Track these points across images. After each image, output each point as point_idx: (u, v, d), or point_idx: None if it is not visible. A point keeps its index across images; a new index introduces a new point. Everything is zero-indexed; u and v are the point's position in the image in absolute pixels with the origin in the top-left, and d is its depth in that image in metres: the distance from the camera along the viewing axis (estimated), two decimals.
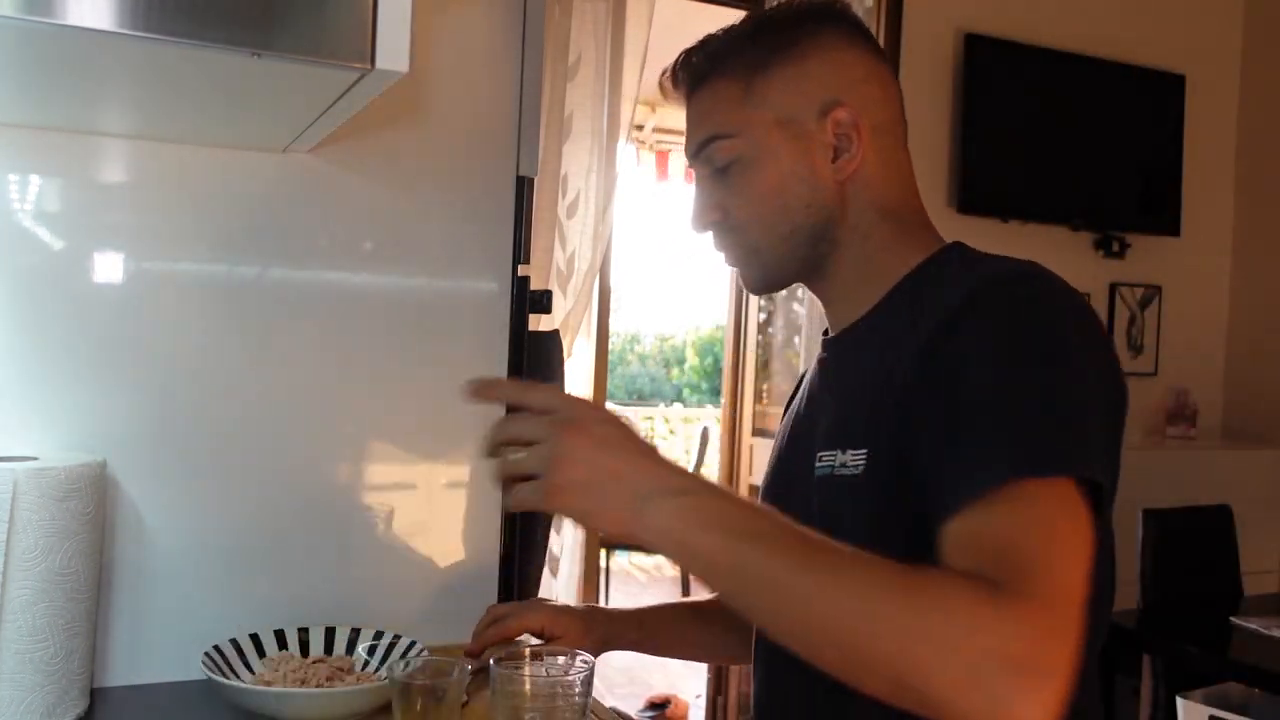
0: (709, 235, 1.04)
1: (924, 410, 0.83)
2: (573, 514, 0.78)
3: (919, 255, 0.98)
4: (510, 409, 0.85)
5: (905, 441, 0.84)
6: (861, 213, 0.99)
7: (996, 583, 0.66)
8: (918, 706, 0.66)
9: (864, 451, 0.89)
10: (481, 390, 0.85)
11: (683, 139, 1.06)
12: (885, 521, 0.86)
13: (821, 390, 1.04)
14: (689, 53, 1.03)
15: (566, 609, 1.23)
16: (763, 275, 1.03)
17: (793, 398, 1.17)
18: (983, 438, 0.76)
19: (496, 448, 0.81)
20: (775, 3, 1.04)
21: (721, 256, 1.04)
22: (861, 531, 0.80)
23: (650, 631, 1.25)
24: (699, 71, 1.01)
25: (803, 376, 1.17)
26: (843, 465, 0.91)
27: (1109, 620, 0.92)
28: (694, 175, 1.03)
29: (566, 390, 0.86)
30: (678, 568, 5.16)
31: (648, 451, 0.77)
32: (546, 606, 1.23)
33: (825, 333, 1.09)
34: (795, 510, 0.81)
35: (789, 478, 1.04)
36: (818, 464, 0.95)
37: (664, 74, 1.05)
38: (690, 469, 0.82)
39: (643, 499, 0.74)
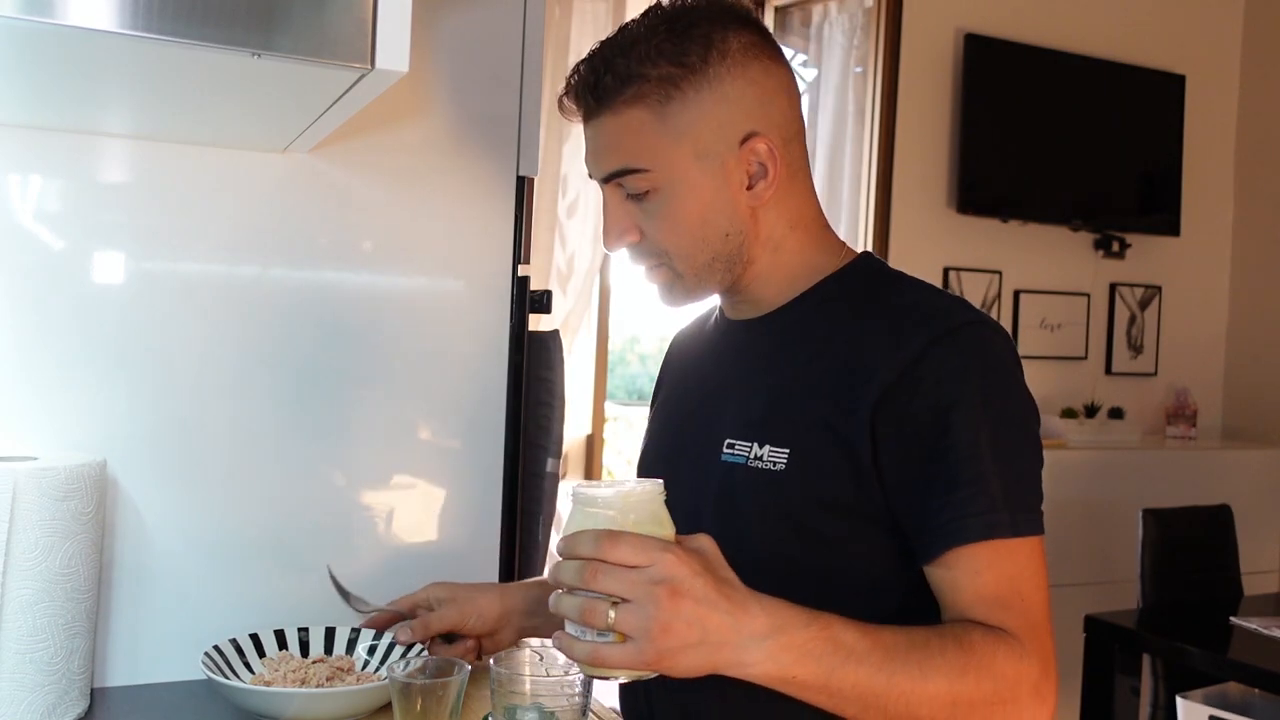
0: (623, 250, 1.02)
1: (910, 445, 0.89)
2: (677, 672, 0.78)
3: (829, 260, 1.02)
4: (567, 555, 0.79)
5: (886, 460, 0.90)
6: (773, 227, 1.00)
7: (1019, 640, 0.85)
8: None
9: (786, 451, 0.93)
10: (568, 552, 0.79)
11: None
12: (799, 515, 0.94)
13: (728, 372, 1.05)
14: (593, 71, 0.96)
15: (473, 587, 1.20)
16: (684, 295, 1.03)
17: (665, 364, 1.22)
18: (981, 491, 0.87)
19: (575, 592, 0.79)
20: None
21: (642, 270, 1.03)
22: (771, 520, 0.94)
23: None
24: (607, 93, 0.95)
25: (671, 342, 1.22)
26: (757, 459, 0.95)
27: None
28: (603, 192, 1.00)
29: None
30: None
31: (735, 589, 0.79)
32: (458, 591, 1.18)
33: (715, 312, 1.13)
34: (686, 486, 0.94)
35: (683, 454, 1.05)
36: (726, 450, 0.98)
37: (563, 93, 0.99)
38: None
39: (742, 647, 0.78)
